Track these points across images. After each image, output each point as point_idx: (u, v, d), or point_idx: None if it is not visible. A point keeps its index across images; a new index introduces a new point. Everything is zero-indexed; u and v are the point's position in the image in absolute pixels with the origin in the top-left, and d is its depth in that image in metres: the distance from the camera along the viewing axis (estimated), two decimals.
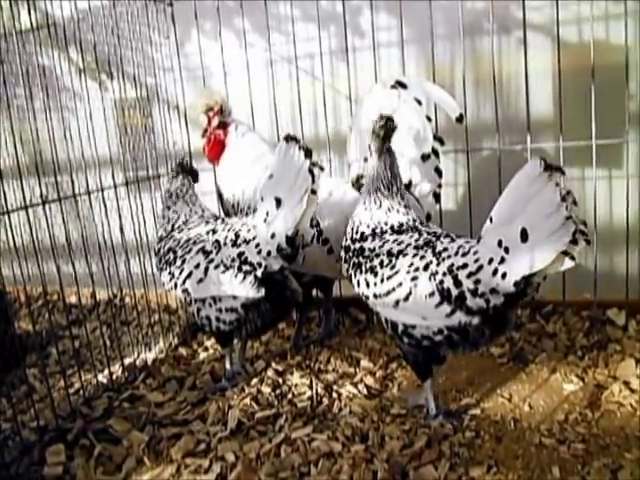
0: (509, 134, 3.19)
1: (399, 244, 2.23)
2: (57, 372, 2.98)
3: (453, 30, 3.08)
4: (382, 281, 2.20)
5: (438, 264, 2.09)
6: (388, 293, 2.18)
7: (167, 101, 3.56)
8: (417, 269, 2.12)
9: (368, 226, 2.35)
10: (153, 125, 3.54)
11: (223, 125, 2.97)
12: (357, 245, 2.35)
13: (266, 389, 2.73)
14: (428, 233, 2.25)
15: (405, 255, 2.18)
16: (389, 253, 2.22)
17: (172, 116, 3.57)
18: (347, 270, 2.39)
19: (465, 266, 2.02)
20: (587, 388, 2.51)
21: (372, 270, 2.24)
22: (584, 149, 2.89)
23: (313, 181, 2.24)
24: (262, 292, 2.43)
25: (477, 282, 1.99)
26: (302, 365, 2.94)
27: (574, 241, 1.82)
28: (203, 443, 2.37)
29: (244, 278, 2.43)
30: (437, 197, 2.88)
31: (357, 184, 2.87)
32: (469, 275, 2.00)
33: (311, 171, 2.23)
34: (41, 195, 2.65)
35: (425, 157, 2.79)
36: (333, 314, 3.31)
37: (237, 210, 2.92)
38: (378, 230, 2.33)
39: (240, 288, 2.44)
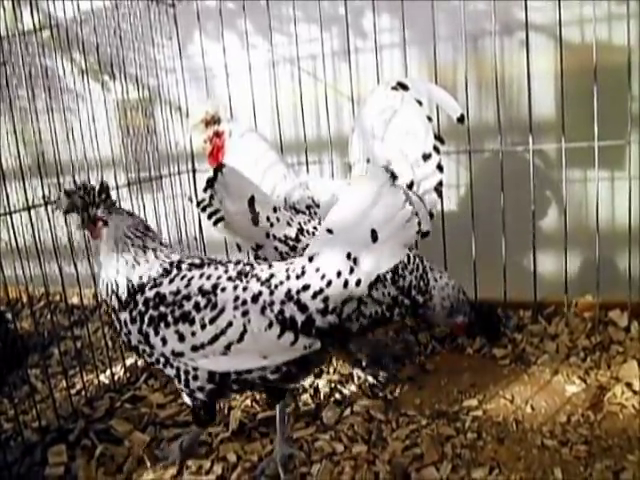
0: (511, 135, 3.19)
1: (208, 278, 1.98)
2: (59, 373, 2.98)
3: (455, 31, 3.08)
4: (203, 327, 1.91)
5: (271, 293, 1.91)
6: (215, 339, 1.91)
7: (169, 102, 3.57)
8: (245, 303, 1.91)
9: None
10: (155, 126, 3.54)
11: (218, 134, 2.97)
12: (149, 294, 1.98)
13: None
14: (236, 263, 2.06)
15: (223, 290, 1.94)
16: (203, 292, 1.94)
17: (174, 117, 3.58)
18: (128, 335, 2.01)
19: (307, 287, 1.89)
20: (589, 390, 2.50)
21: (185, 317, 1.93)
22: (586, 150, 2.89)
23: None
24: None
25: (326, 299, 1.88)
26: None
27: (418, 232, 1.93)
28: (204, 444, 2.37)
29: None
30: (439, 193, 2.88)
31: None
32: (315, 295, 1.88)
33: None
34: (43, 196, 2.66)
35: (426, 156, 2.80)
36: None
37: None
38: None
39: None
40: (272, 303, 1.90)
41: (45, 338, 3.45)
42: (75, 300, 3.41)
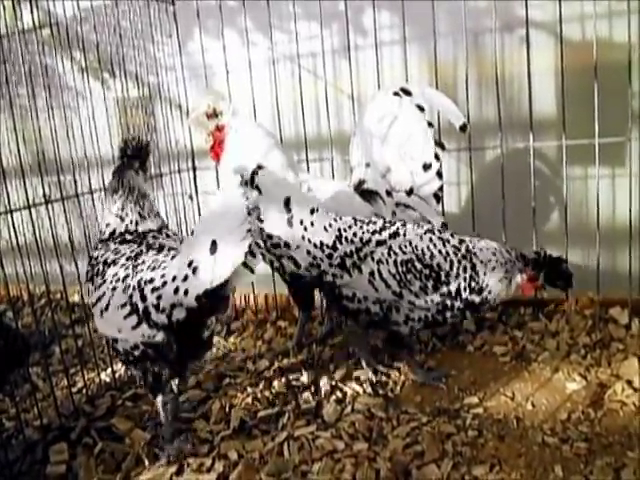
0: (512, 132, 3.18)
1: (116, 253, 2.23)
2: (60, 371, 2.99)
3: (456, 28, 3.07)
4: (95, 289, 2.19)
5: (132, 277, 2.08)
6: (97, 302, 2.16)
7: (169, 100, 3.57)
8: (118, 280, 2.11)
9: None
10: (155, 124, 3.54)
11: (220, 127, 2.94)
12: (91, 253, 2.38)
13: (269, 388, 2.73)
14: (148, 245, 2.25)
15: (115, 265, 2.17)
16: (105, 262, 2.22)
17: (174, 115, 3.57)
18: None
19: (152, 281, 2.01)
20: (590, 387, 2.51)
21: (92, 279, 2.24)
22: (587, 147, 2.88)
23: None
24: None
25: (159, 297, 1.98)
26: (305, 364, 2.94)
27: (252, 254, 1.92)
28: (206, 441, 2.38)
29: None
30: (438, 199, 2.89)
31: (359, 188, 2.88)
32: (153, 290, 1.99)
33: None
34: (44, 194, 2.66)
35: (427, 166, 2.81)
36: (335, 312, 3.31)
37: None
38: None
39: None
40: (129, 286, 2.06)
41: (46, 336, 3.46)
42: (76, 298, 3.41)
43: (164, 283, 1.97)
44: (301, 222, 2.53)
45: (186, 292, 1.93)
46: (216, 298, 1.97)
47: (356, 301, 2.51)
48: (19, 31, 2.58)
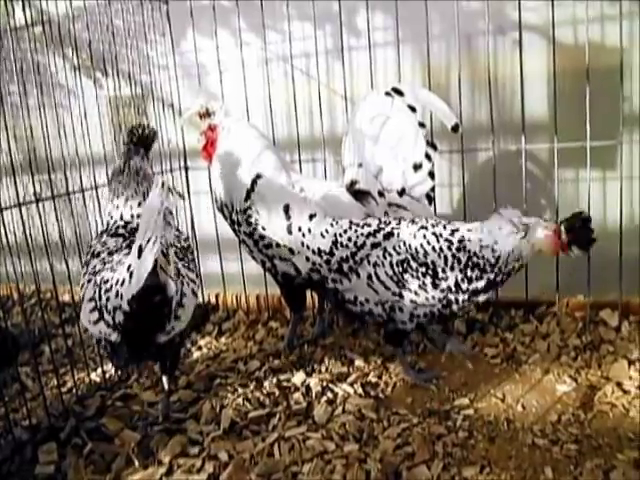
0: (504, 135, 3.19)
1: (102, 245, 2.36)
2: (50, 370, 2.97)
3: (449, 31, 3.08)
4: (82, 276, 2.30)
5: (100, 274, 2.16)
6: (80, 290, 2.26)
7: (162, 99, 3.56)
8: (94, 273, 2.20)
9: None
10: (148, 123, 3.52)
11: (212, 127, 2.93)
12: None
13: (259, 389, 2.73)
14: (130, 243, 2.26)
15: (98, 257, 2.30)
16: (92, 254, 2.35)
17: (167, 114, 3.56)
18: None
19: (107, 281, 2.08)
20: (580, 389, 2.52)
21: (84, 267, 2.34)
22: (578, 150, 2.90)
23: None
24: None
25: (108, 299, 2.05)
26: (296, 364, 2.94)
27: (167, 258, 1.97)
28: (196, 442, 2.37)
29: None
30: (430, 199, 2.89)
31: (351, 189, 2.88)
32: (106, 291, 2.07)
33: None
34: (35, 193, 2.65)
35: (417, 167, 2.81)
36: (327, 314, 3.31)
37: (230, 210, 2.89)
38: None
39: None
40: (95, 282, 2.14)
41: (36, 336, 3.44)
42: (66, 298, 3.39)
43: (111, 286, 2.04)
44: (299, 229, 2.56)
45: (122, 296, 1.99)
46: (150, 304, 1.99)
47: (359, 304, 2.54)
48: (11, 28, 2.57)
